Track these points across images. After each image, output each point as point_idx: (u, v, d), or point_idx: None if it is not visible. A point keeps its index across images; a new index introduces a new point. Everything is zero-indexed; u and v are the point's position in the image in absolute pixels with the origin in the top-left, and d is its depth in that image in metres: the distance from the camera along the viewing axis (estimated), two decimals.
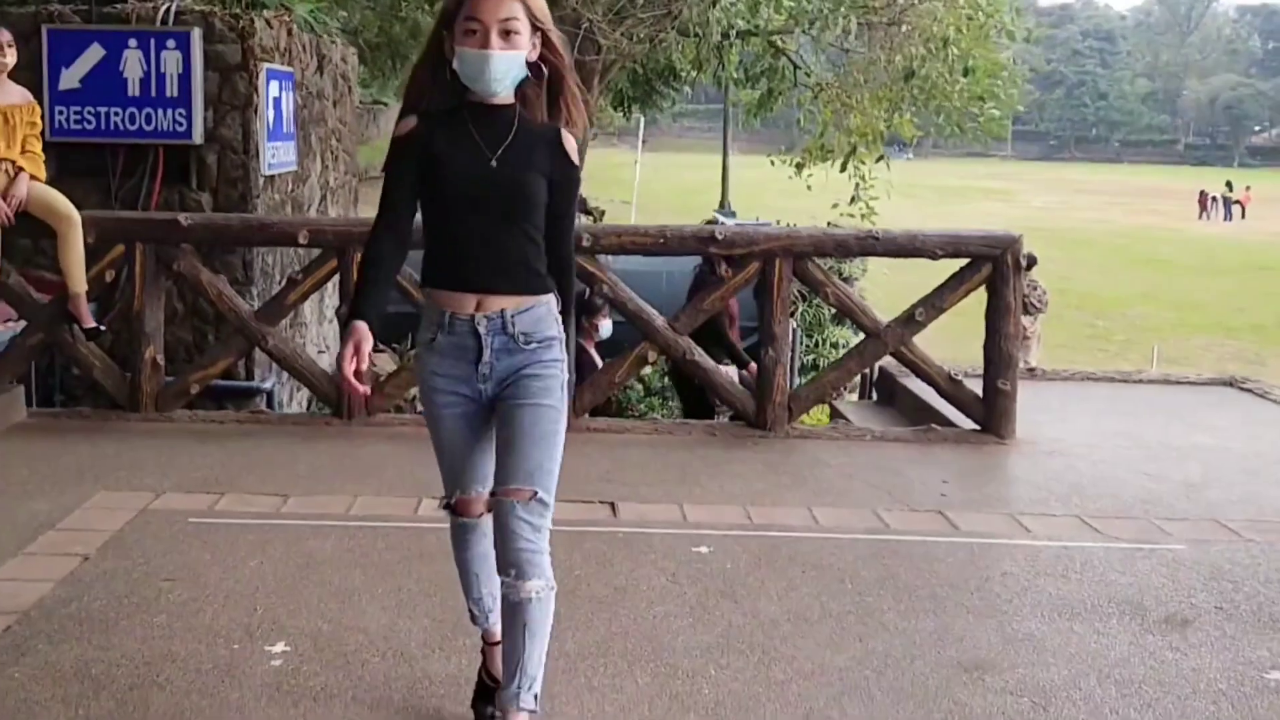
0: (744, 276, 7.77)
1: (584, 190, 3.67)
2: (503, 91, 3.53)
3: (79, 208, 7.55)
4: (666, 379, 13.12)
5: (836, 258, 13.36)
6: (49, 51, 9.29)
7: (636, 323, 7.87)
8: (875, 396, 10.24)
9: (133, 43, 9.34)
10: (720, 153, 45.36)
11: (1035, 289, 16.79)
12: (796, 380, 10.64)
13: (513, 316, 3.55)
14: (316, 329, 11.33)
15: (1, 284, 7.46)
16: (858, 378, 11.06)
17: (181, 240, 7.76)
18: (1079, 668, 4.46)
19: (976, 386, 7.94)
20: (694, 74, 19.12)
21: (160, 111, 9.35)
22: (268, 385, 9.73)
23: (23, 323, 7.94)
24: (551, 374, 3.59)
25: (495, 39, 3.43)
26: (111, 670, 4.21)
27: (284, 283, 8.42)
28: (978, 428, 7.88)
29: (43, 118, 7.79)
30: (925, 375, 7.97)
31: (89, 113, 9.34)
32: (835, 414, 10.19)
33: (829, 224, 13.34)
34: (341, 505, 6.09)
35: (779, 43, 17.16)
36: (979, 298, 7.88)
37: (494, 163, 3.50)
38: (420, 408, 4.26)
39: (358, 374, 3.35)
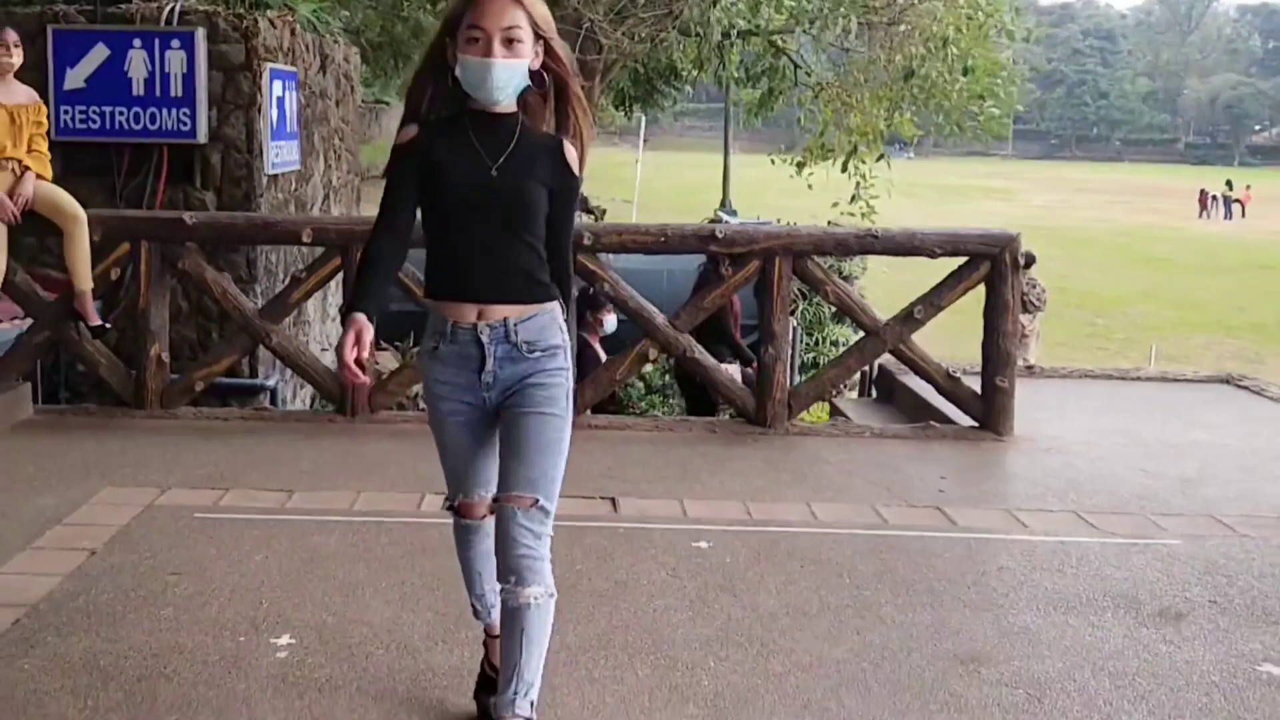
0: (744, 275, 7.83)
1: (585, 189, 3.69)
2: (505, 100, 3.51)
3: (84, 206, 7.60)
4: (668, 377, 13.16)
5: (836, 256, 13.39)
6: (54, 51, 9.37)
7: (637, 320, 7.94)
8: (875, 394, 10.29)
9: (137, 43, 9.42)
10: (722, 152, 45.38)
11: (1034, 287, 16.82)
12: (797, 378, 10.70)
13: (516, 325, 3.55)
14: (320, 327, 11.39)
15: (8, 282, 7.50)
16: (857, 376, 11.12)
17: (186, 239, 7.82)
18: (1073, 660, 4.51)
19: (975, 384, 8.00)
20: (695, 73, 19.18)
21: (165, 111, 9.43)
22: (271, 383, 9.79)
23: (29, 320, 8.00)
24: (556, 382, 3.59)
25: (498, 47, 3.42)
26: (119, 662, 4.26)
27: (287, 281, 8.48)
28: (976, 425, 7.93)
29: (48, 117, 7.83)
30: (924, 373, 8.03)
31: (94, 112, 9.42)
32: (835, 411, 10.24)
33: (829, 223, 13.40)
34: (345, 501, 6.15)
35: (779, 42, 17.22)
36: (977, 296, 7.93)
37: (494, 171, 3.49)
38: (423, 404, 4.29)
39: (359, 363, 3.34)
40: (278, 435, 7.50)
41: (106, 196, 9.35)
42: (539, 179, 3.54)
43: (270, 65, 9.77)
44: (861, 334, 8.25)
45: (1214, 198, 60.35)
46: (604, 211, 24.44)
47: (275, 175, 10.11)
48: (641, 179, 31.83)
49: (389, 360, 11.29)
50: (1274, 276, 34.39)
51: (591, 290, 8.73)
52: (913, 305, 7.93)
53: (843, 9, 14.95)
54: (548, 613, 3.49)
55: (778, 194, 28.26)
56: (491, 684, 3.83)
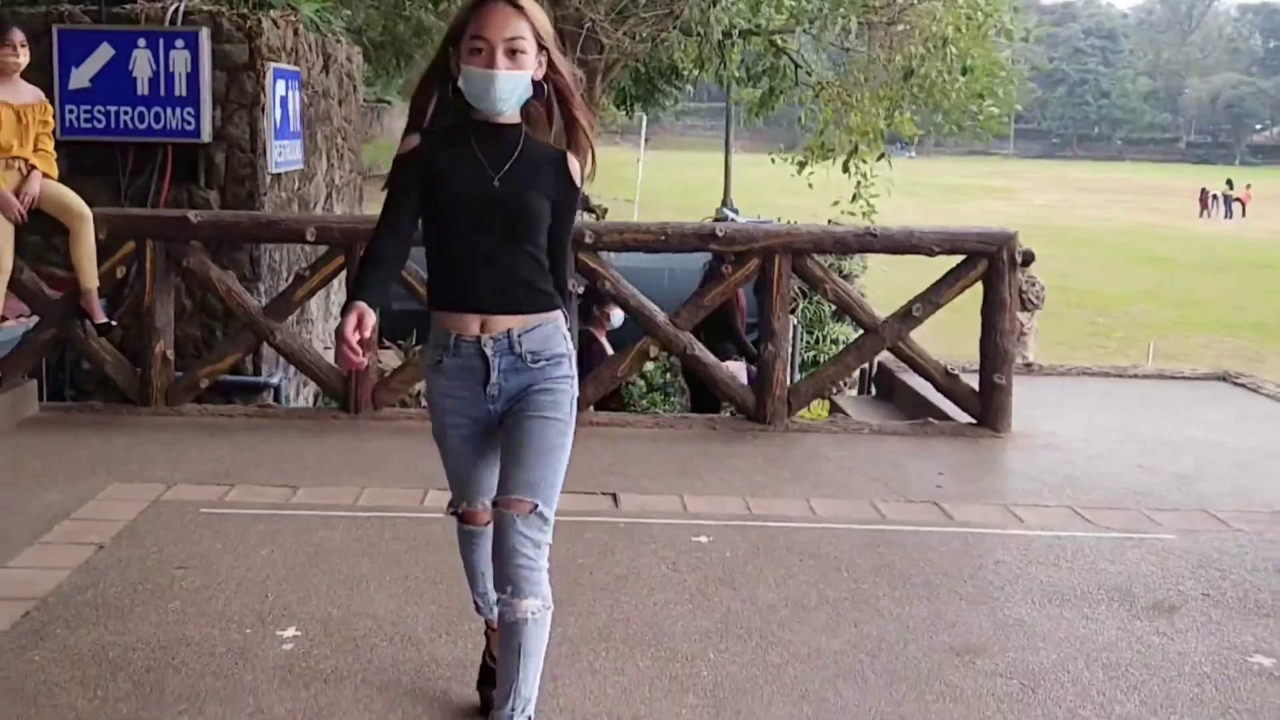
0: (744, 273, 7.89)
1: (587, 188, 3.70)
2: (508, 111, 3.49)
3: (89, 205, 7.66)
4: (668, 375, 13.23)
5: (835, 254, 13.46)
6: (59, 51, 9.45)
7: (638, 318, 8.00)
8: (874, 392, 10.35)
9: (142, 42, 9.50)
10: (723, 151, 45.41)
11: (1033, 285, 16.87)
12: (797, 376, 10.75)
13: (519, 336, 3.53)
14: (322, 325, 11.46)
15: (14, 280, 7.56)
16: (857, 374, 11.20)
17: (191, 237, 7.87)
18: (1067, 652, 4.58)
19: (973, 382, 8.05)
20: (696, 73, 19.23)
21: (169, 110, 9.51)
22: (275, 380, 9.86)
23: (35, 318, 8.06)
24: (561, 389, 3.58)
25: (501, 58, 3.39)
26: (128, 654, 4.32)
27: (291, 279, 8.54)
28: (974, 421, 7.99)
29: (54, 116, 7.90)
30: (922, 370, 8.10)
31: (99, 111, 9.50)
32: (835, 409, 10.30)
33: (830, 221, 13.45)
34: (349, 496, 6.20)
35: (780, 42, 17.27)
36: (976, 294, 7.99)
37: (497, 181, 3.47)
38: (425, 402, 4.30)
39: (362, 343, 3.30)
40: (282, 432, 7.55)
41: (111, 195, 9.44)
42: (541, 190, 3.52)
43: (274, 65, 9.84)
44: (860, 332, 8.30)
45: (1214, 197, 60.43)
46: (605, 210, 24.48)
47: (279, 174, 10.18)
48: (643, 178, 31.86)
49: (391, 358, 11.36)
50: (1274, 275, 34.43)
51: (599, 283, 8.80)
52: (911, 303, 7.99)
53: (842, 9, 15.01)
54: (544, 626, 3.49)
55: (779, 193, 28.33)
56: (493, 675, 3.86)
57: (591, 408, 8.03)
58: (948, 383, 8.06)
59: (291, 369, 9.76)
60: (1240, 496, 6.70)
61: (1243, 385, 9.78)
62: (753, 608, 4.91)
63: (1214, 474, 7.16)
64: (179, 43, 9.50)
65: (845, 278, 13.69)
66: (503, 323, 3.52)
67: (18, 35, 7.42)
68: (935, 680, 4.30)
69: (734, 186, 42.80)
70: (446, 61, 3.52)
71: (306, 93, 10.87)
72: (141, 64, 9.47)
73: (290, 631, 4.55)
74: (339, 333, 3.30)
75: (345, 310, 3.38)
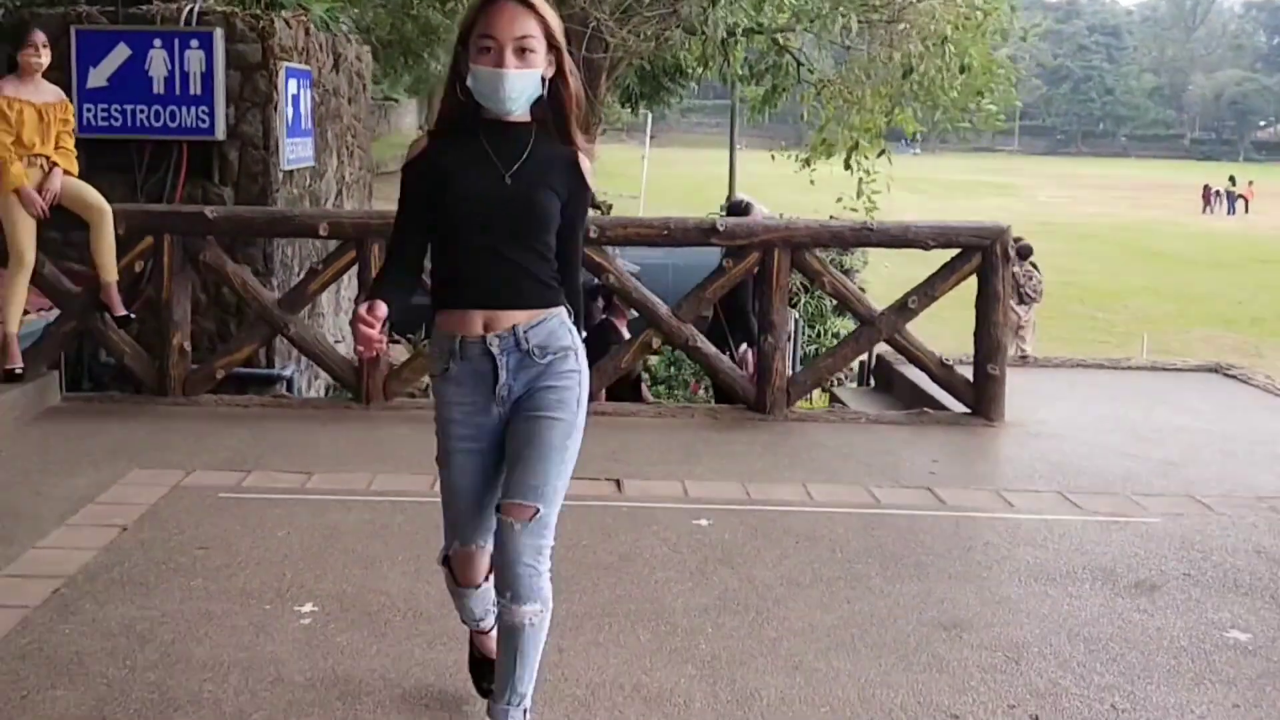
0: (744, 267, 8.07)
1: (592, 185, 3.79)
2: (517, 110, 3.43)
3: (107, 201, 7.85)
4: (673, 368, 13.43)
5: (834, 249, 13.62)
6: (77, 51, 9.65)
7: (642, 311, 8.21)
8: (873, 383, 10.52)
9: (157, 42, 9.71)
10: (728, 148, 45.46)
11: (1031, 278, 17.07)
12: (798, 368, 10.92)
13: (525, 332, 3.47)
14: (333, 319, 11.66)
15: (36, 274, 7.76)
16: (857, 366, 11.39)
17: (207, 232, 8.08)
18: (1050, 626, 4.77)
19: (968, 373, 8.23)
20: (700, 71, 19.32)
21: (184, 109, 9.71)
22: (288, 372, 10.06)
23: (55, 311, 8.27)
24: (566, 386, 3.52)
25: (510, 57, 3.34)
26: (154, 627, 4.52)
27: (304, 273, 8.74)
28: (968, 411, 8.18)
29: (73, 115, 8.09)
30: (918, 361, 8.28)
31: (116, 110, 9.70)
32: (834, 400, 10.49)
33: (830, 217, 13.62)
34: (362, 482, 6.41)
35: (782, 40, 17.39)
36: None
37: (508, 180, 3.41)
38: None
39: (374, 324, 3.27)
40: (296, 421, 7.76)
41: (127, 192, 9.63)
42: (552, 188, 3.47)
43: (286, 64, 10.04)
44: (858, 324, 8.47)
45: (1217, 193, 60.54)
46: (610, 206, 24.68)
47: (291, 171, 10.37)
48: (648, 175, 32.03)
49: (401, 352, 11.55)
50: (1274, 271, 34.50)
51: (596, 282, 9.00)
52: (907, 295, 8.18)
53: (842, 8, 15.16)
54: (542, 630, 3.51)
55: (783, 189, 28.43)
56: (480, 664, 3.96)
57: (603, 393, 8.24)
58: (943, 373, 8.25)
59: (304, 361, 9.96)
60: (1225, 482, 6.88)
61: (1233, 376, 9.94)
62: (750, 585, 5.11)
63: (1200, 460, 7.34)
64: (194, 43, 9.70)
65: (845, 273, 13.91)
66: (508, 318, 3.47)
67: (39, 36, 7.61)
68: (922, 652, 4.50)
69: (739, 183, 42.84)
70: (458, 62, 3.48)
71: (317, 91, 11.07)
72: (157, 63, 9.68)
73: (308, 607, 4.75)
74: (353, 316, 3.31)
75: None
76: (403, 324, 12.10)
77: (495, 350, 3.48)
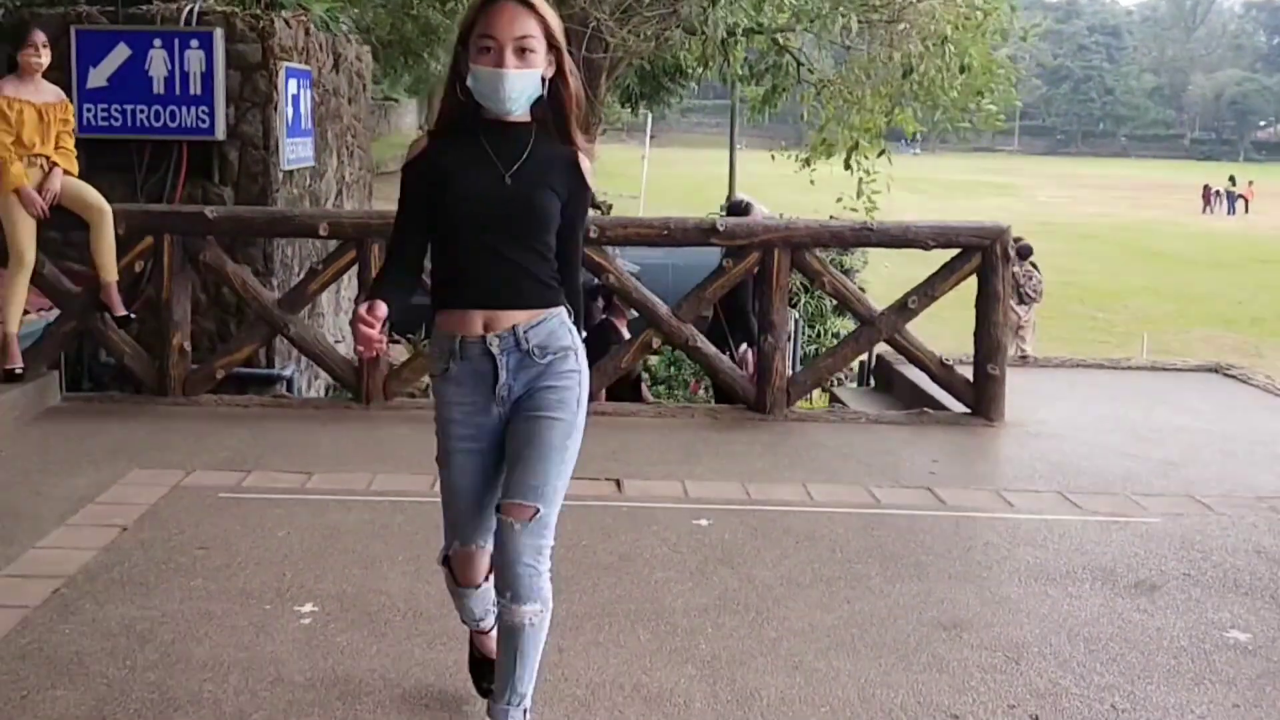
0: (743, 267, 8.08)
1: (592, 185, 3.76)
2: (517, 110, 3.43)
3: (107, 201, 7.85)
4: (673, 368, 13.43)
5: (833, 248, 13.63)
6: (77, 51, 9.67)
7: (642, 311, 8.21)
8: (873, 384, 10.52)
9: (157, 42, 9.72)
10: (728, 148, 45.49)
11: (1030, 278, 17.07)
12: (799, 368, 10.92)
13: (525, 332, 3.47)
14: (333, 319, 11.67)
15: (37, 274, 7.77)
16: (858, 367, 11.39)
17: (207, 232, 8.08)
18: (1050, 626, 4.78)
19: (968, 373, 8.23)
20: (700, 71, 19.32)
21: (184, 109, 9.72)
22: (288, 372, 10.07)
23: (55, 311, 8.27)
24: (566, 386, 3.52)
25: (510, 57, 3.33)
26: (154, 627, 4.53)
27: (304, 273, 8.75)
28: (968, 411, 8.19)
29: (73, 115, 8.10)
30: (918, 361, 8.29)
31: (116, 110, 9.71)
32: (834, 400, 10.49)
33: (830, 217, 13.62)
34: (362, 482, 6.41)
35: (782, 40, 17.39)
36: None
37: (508, 179, 3.41)
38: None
39: (374, 341, 3.27)
40: (296, 421, 7.76)
41: (127, 192, 9.64)
42: (552, 188, 3.46)
43: (286, 64, 10.05)
44: (858, 324, 8.47)
45: (1217, 193, 60.62)
46: (610, 206, 24.72)
47: (291, 171, 10.39)
48: (649, 175, 32.04)
49: (400, 352, 11.56)
50: (1274, 271, 34.52)
51: (596, 282, 9.01)
52: (907, 295, 8.19)
53: (842, 8, 15.17)
54: (542, 629, 3.51)
55: (783, 189, 28.44)
56: (480, 664, 3.95)
57: (603, 393, 8.25)
58: (943, 373, 8.25)
59: (304, 361, 9.97)
60: (1224, 482, 6.88)
61: (1233, 376, 9.95)
62: (750, 585, 5.11)
63: (1200, 460, 7.34)
64: (194, 43, 9.71)
65: (846, 273, 13.91)
66: (508, 318, 3.47)
67: (39, 36, 7.62)
68: (922, 652, 4.50)
69: (739, 183, 42.86)
70: (458, 61, 3.47)
71: (317, 91, 11.08)
72: (157, 64, 9.69)
73: (308, 607, 4.76)
74: (353, 316, 3.31)
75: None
76: (403, 324, 12.10)
77: (495, 350, 3.47)
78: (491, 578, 3.63)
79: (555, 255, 3.53)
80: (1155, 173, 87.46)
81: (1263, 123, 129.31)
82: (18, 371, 7.65)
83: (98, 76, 9.71)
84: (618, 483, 6.51)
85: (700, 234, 8.18)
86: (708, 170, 52.86)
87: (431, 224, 3.51)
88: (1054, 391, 9.17)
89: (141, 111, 9.71)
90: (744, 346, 9.16)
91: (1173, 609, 5.01)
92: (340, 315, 11.85)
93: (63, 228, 8.08)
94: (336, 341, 11.16)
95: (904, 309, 8.14)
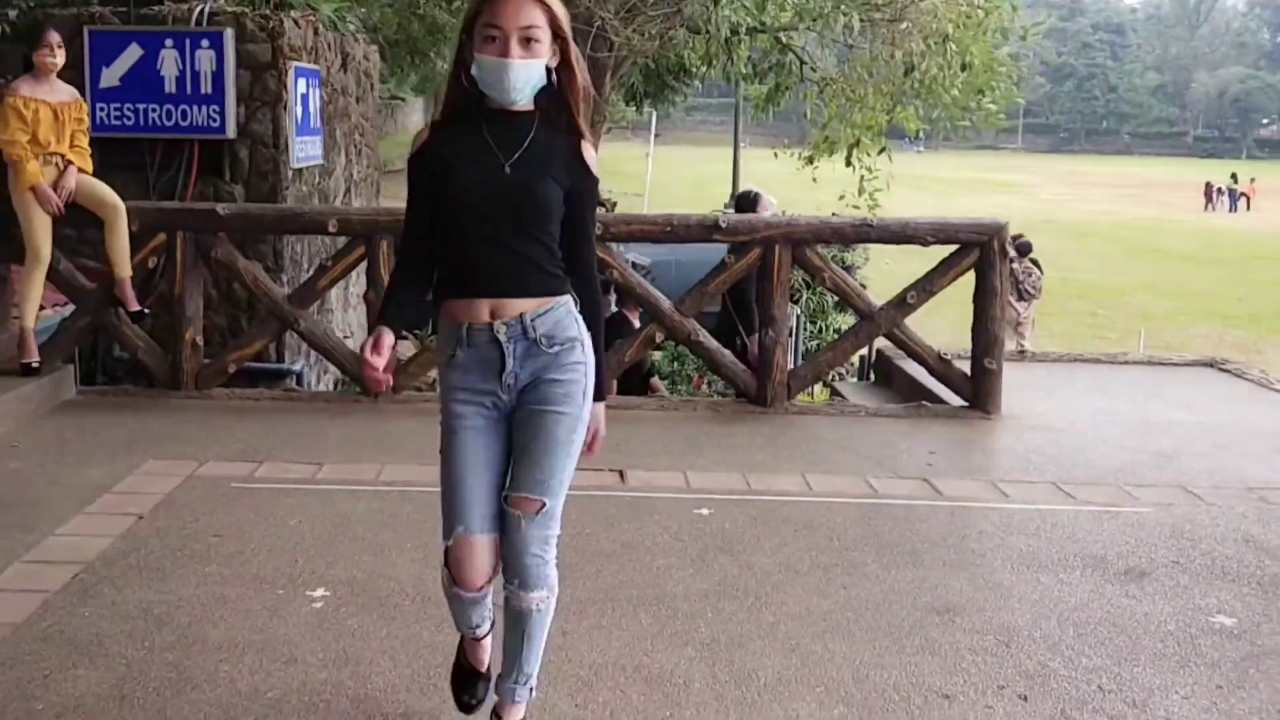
0: (745, 262, 8.20)
1: (595, 173, 3.80)
2: (521, 100, 3.41)
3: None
4: (676, 363, 13.54)
5: (834, 244, 13.73)
6: (90, 51, 9.81)
7: (645, 307, 8.35)
8: (873, 378, 10.63)
9: (169, 43, 9.85)
10: (732, 146, 45.58)
11: (1030, 275, 17.16)
12: (800, 363, 11.03)
13: (532, 320, 3.46)
14: (341, 315, 11.80)
15: (52, 270, 7.89)
16: (858, 362, 11.51)
17: (219, 229, 8.22)
18: (1041, 611, 4.91)
19: (966, 367, 8.35)
20: (704, 70, 19.39)
21: (195, 108, 9.85)
22: (298, 366, 10.19)
23: (70, 306, 8.41)
24: (572, 379, 3.51)
25: (515, 46, 3.32)
26: (171, 610, 4.67)
27: (313, 269, 8.87)
28: (966, 404, 8.31)
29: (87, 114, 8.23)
30: (916, 355, 8.41)
31: (128, 109, 9.85)
32: (834, 394, 10.61)
33: (833, 214, 13.71)
34: (371, 472, 6.54)
35: (785, 39, 17.47)
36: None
37: (508, 169, 3.39)
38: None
39: (378, 365, 3.40)
40: (307, 414, 7.90)
41: (140, 190, 9.75)
42: (554, 177, 3.44)
43: (295, 64, 10.18)
44: (857, 319, 8.58)
45: (1219, 190, 60.61)
46: (614, 204, 24.88)
47: (300, 169, 10.52)
48: (653, 173, 32.16)
49: (407, 347, 11.67)
50: (1273, 268, 34.54)
51: (603, 277, 9.11)
52: (906, 291, 8.31)
53: (844, 7, 15.25)
54: (548, 614, 3.58)
55: (786, 187, 28.55)
56: (466, 676, 3.88)
57: (614, 384, 8.38)
58: (941, 367, 8.37)
59: (313, 356, 10.10)
60: (1216, 473, 7.01)
61: (1228, 371, 10.06)
62: (749, 572, 5.25)
63: (1193, 452, 7.46)
64: (204, 43, 9.85)
65: (847, 269, 14.03)
66: (515, 306, 3.45)
67: (54, 37, 7.75)
68: (916, 636, 4.64)
69: (743, 181, 42.93)
70: (463, 51, 3.45)
71: (326, 90, 11.20)
72: (169, 63, 9.82)
73: (320, 592, 4.90)
74: (361, 351, 3.42)
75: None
76: (410, 321, 12.19)
77: (502, 337, 3.46)
78: (491, 588, 3.65)
79: (562, 245, 3.51)
80: (1158, 170, 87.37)
81: (1266, 120, 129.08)
82: (34, 366, 7.79)
83: (110, 76, 9.85)
84: (621, 473, 6.63)
85: (703, 230, 8.29)
86: (712, 168, 52.87)
87: (436, 215, 3.50)
88: (1051, 386, 9.29)
89: (153, 111, 9.86)
90: (753, 338, 9.27)
91: (1161, 595, 5.13)
92: (349, 311, 11.98)
93: (78, 225, 8.20)
94: (345, 336, 11.29)
95: (903, 304, 8.26)
